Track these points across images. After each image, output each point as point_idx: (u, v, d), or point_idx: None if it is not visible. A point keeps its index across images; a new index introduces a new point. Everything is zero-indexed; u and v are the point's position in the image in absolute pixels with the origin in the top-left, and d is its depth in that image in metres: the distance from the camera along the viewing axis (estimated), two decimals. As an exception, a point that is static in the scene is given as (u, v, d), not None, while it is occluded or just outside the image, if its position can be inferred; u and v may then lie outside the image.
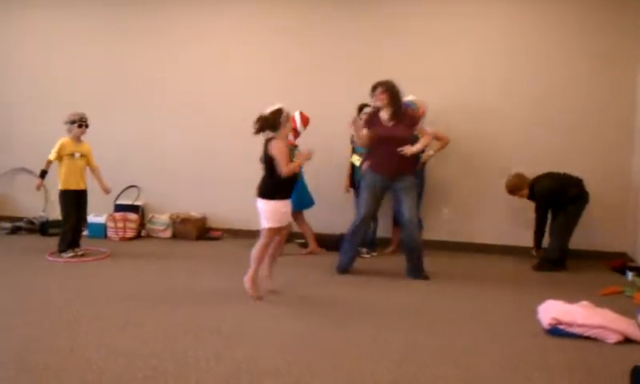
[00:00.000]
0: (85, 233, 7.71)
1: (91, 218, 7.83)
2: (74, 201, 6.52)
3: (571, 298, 4.64)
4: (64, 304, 4.74)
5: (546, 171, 6.58)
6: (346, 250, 6.10)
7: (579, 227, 6.53)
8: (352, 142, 7.09)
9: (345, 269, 6.09)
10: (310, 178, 7.14)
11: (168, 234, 7.94)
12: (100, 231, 7.80)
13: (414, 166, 5.94)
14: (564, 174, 6.55)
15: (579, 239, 6.70)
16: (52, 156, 6.45)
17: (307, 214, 7.10)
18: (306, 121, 6.96)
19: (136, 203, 8.06)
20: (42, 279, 5.60)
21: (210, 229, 8.02)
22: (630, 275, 6.11)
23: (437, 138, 6.89)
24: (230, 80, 7.99)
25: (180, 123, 8.05)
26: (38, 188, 6.60)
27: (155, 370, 3.43)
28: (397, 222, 6.98)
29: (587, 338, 4.12)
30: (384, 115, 5.85)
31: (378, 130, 5.82)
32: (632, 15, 6.90)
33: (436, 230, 7.46)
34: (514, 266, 6.64)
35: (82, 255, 6.57)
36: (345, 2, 7.64)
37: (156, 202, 8.19)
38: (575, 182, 6.48)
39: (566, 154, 6.96)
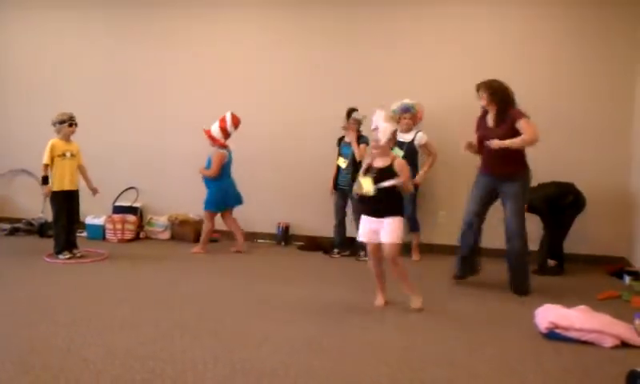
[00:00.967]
0: (83, 234, 7.74)
1: (90, 220, 7.86)
2: (65, 201, 6.51)
3: (569, 302, 4.65)
4: (61, 305, 4.75)
5: (543, 175, 6.57)
6: (457, 253, 5.97)
7: (577, 231, 6.56)
8: (339, 144, 7.18)
9: (460, 275, 5.92)
10: (310, 180, 7.18)
11: (166, 235, 7.96)
12: (98, 233, 7.81)
13: (523, 168, 5.61)
14: (556, 181, 6.57)
15: (577, 243, 6.74)
16: (46, 159, 6.43)
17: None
18: (236, 122, 7.12)
19: (134, 205, 8.07)
20: (39, 280, 5.60)
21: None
22: (627, 279, 6.12)
23: (429, 152, 6.96)
24: (229, 83, 8.00)
25: (178, 125, 8.06)
26: (47, 195, 6.54)
27: (153, 371, 3.44)
28: (413, 227, 7.08)
29: (584, 342, 4.12)
30: (489, 116, 5.68)
31: (482, 132, 5.66)
32: (631, 20, 6.91)
33: (432, 233, 7.47)
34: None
35: (80, 257, 6.57)
36: (346, 5, 7.65)
37: (154, 204, 8.20)
38: (570, 188, 6.49)
39: (564, 159, 6.97)
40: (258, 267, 6.50)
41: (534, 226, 6.41)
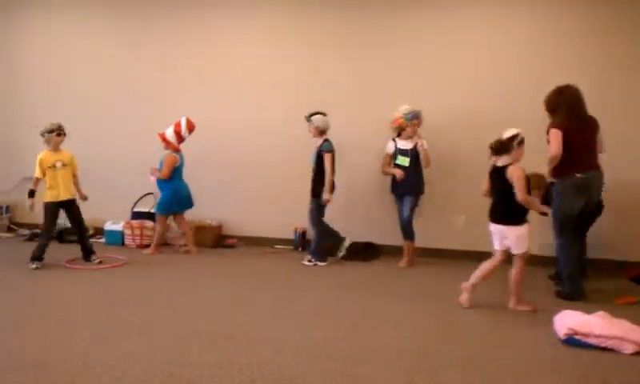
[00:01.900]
0: (101, 240, 7.80)
1: (108, 226, 7.92)
2: (58, 212, 6.59)
3: (587, 308, 4.62)
4: (80, 310, 4.80)
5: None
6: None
7: (598, 237, 6.49)
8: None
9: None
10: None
11: (184, 241, 7.99)
12: (117, 238, 7.87)
13: (557, 177, 5.63)
14: None
15: (597, 248, 6.65)
16: (37, 173, 6.53)
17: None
18: (191, 127, 7.31)
19: (153, 211, 8.11)
20: (59, 286, 5.66)
21: (226, 237, 8.06)
22: (647, 285, 6.07)
23: (427, 158, 6.92)
24: (242, 86, 8.04)
25: (195, 131, 8.08)
26: (31, 209, 6.60)
27: (171, 376, 3.46)
28: (407, 235, 7.00)
29: (603, 348, 4.08)
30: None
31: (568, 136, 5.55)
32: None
33: (450, 239, 7.46)
34: (529, 275, 6.60)
35: (99, 263, 6.62)
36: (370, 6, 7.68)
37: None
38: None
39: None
40: (274, 272, 6.51)
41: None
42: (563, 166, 5.48)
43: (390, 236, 7.41)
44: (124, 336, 4.18)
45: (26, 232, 8.31)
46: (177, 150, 7.28)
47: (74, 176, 6.74)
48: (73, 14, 8.68)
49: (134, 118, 8.38)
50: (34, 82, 8.84)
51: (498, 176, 5.04)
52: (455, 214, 7.38)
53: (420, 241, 7.08)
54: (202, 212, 7.98)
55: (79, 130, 8.10)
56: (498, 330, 4.57)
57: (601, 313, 4.47)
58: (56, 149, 6.58)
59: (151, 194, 8.15)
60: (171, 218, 7.50)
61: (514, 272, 5.09)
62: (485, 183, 5.24)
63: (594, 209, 6.21)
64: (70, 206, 6.65)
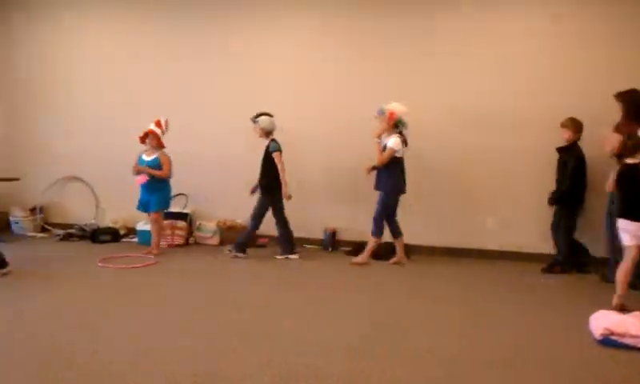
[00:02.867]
0: (134, 239, 7.90)
1: (141, 226, 8.01)
2: None
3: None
4: (114, 309, 4.88)
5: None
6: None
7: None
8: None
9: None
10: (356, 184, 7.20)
11: (215, 240, 8.06)
12: (149, 238, 7.94)
13: None
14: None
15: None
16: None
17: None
18: (167, 126, 7.35)
19: (184, 211, 8.19)
20: (92, 284, 5.76)
21: (257, 236, 8.09)
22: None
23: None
24: (278, 85, 8.08)
25: (229, 132, 8.14)
26: None
27: (212, 374, 3.51)
28: (395, 232, 7.10)
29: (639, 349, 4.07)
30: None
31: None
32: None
33: (481, 238, 7.44)
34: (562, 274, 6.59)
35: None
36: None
37: (204, 210, 8.32)
38: None
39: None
40: (308, 272, 6.55)
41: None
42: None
43: (424, 235, 7.43)
44: (159, 334, 4.25)
45: (60, 232, 8.44)
46: (163, 148, 7.36)
47: None
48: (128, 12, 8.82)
49: (172, 119, 8.42)
50: (79, 87, 8.95)
51: (632, 174, 5.06)
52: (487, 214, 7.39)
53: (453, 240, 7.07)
54: (233, 211, 8.03)
55: (117, 131, 8.24)
56: (533, 330, 4.56)
57: (637, 313, 4.44)
58: None
59: (183, 194, 8.22)
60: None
61: (629, 263, 5.04)
62: (611, 181, 5.52)
63: None
64: None
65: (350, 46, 7.85)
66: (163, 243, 7.82)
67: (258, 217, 7.14)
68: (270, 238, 7.87)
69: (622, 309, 4.84)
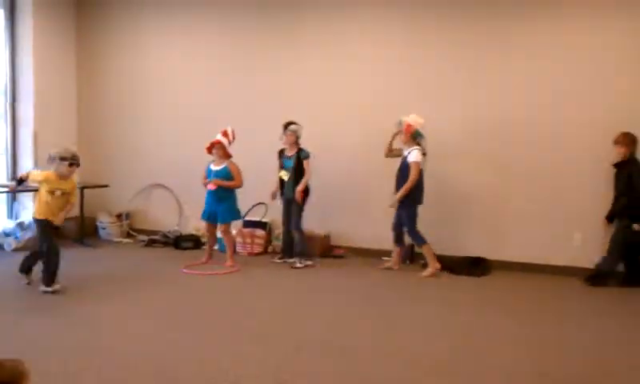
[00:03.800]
0: (215, 247, 8.05)
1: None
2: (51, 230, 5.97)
3: None
4: (195, 314, 5.01)
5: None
6: None
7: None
8: (279, 156, 7.49)
9: None
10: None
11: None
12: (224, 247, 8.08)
13: None
14: None
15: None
16: (38, 178, 5.84)
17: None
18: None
19: (263, 220, 8.30)
20: (175, 290, 5.93)
21: (334, 246, 8.12)
22: None
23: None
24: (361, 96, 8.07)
25: (308, 143, 8.18)
26: (11, 190, 7.08)
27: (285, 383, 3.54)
28: (399, 240, 7.17)
29: None
30: None
31: None
32: None
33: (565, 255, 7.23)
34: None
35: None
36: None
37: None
38: None
39: None
40: (380, 285, 6.51)
41: None
42: None
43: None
44: (236, 341, 4.32)
45: (145, 238, 8.70)
46: (230, 157, 7.40)
47: (69, 203, 6.01)
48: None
49: (250, 132, 8.52)
50: (160, 97, 9.18)
51: None
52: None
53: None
54: (310, 222, 8.04)
55: (198, 142, 8.42)
56: (599, 351, 4.40)
57: None
58: (63, 177, 5.85)
59: (263, 203, 8.30)
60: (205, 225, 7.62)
61: None
62: None
63: None
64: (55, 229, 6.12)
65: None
66: (242, 251, 7.94)
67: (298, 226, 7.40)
68: (347, 249, 7.88)
69: None
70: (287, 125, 7.37)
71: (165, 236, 8.67)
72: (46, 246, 5.79)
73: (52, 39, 9.02)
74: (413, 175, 6.82)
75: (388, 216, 7.46)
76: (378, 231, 7.68)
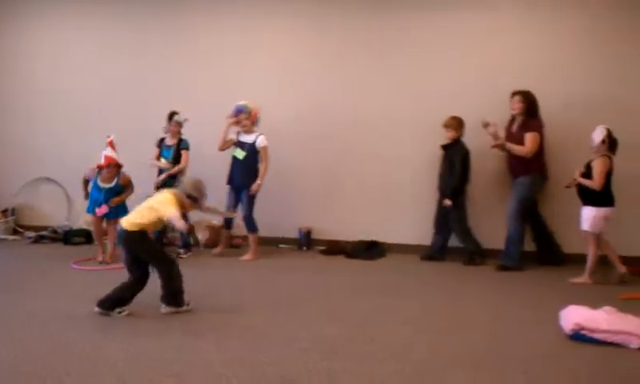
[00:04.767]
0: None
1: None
2: None
3: (593, 303, 4.60)
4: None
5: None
6: None
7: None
8: (159, 145, 7.50)
9: None
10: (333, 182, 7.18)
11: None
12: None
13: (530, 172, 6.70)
14: None
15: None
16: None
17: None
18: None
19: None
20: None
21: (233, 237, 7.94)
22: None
23: (263, 158, 7.14)
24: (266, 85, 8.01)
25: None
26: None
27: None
28: (250, 228, 7.23)
29: (610, 343, 4.08)
30: (515, 123, 6.79)
31: (506, 136, 6.82)
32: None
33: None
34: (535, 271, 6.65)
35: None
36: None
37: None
38: None
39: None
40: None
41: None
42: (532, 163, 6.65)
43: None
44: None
45: (32, 234, 8.32)
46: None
47: None
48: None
49: (144, 117, 8.31)
50: (47, 87, 8.82)
51: None
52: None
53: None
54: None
55: (90, 132, 8.11)
56: (504, 326, 4.58)
57: (607, 308, 4.46)
58: None
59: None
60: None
61: None
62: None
63: None
64: None
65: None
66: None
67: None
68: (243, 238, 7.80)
69: None
70: (172, 115, 7.38)
71: (54, 231, 8.34)
72: None
73: None
74: (266, 162, 7.07)
75: (279, 205, 7.54)
76: (271, 220, 7.66)
